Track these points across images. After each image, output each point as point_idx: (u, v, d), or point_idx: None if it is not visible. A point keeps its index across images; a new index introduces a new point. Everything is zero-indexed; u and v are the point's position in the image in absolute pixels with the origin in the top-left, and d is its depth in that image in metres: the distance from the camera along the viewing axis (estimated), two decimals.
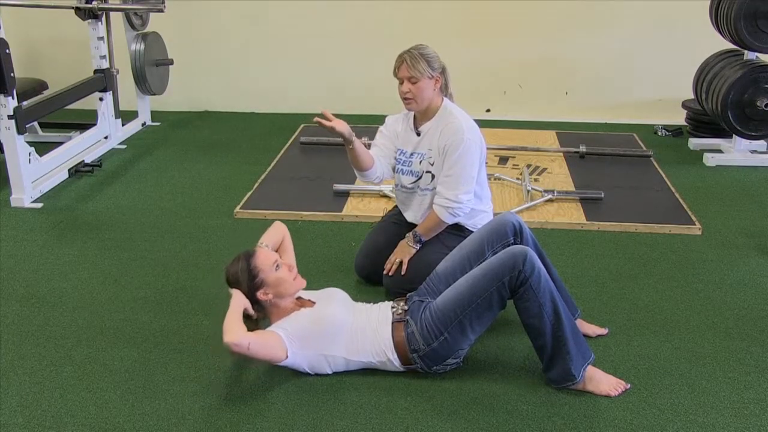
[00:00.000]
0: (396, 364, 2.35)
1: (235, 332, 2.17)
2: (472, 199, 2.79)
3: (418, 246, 2.84)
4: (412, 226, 2.94)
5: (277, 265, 2.35)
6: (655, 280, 3.07)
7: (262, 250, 2.42)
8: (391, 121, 3.00)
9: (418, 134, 2.85)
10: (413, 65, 2.70)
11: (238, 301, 2.30)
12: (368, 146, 4.69)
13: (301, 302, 2.45)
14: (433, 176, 2.83)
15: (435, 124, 2.81)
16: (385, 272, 2.84)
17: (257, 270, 2.33)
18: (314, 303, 2.44)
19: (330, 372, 2.37)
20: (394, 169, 2.96)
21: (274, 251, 2.55)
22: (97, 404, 2.26)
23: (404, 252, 2.84)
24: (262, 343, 2.23)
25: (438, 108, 2.81)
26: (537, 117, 5.63)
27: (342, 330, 2.34)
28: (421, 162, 2.84)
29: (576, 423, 2.16)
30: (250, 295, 2.33)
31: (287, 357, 2.28)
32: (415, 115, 2.89)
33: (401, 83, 2.75)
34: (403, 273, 2.80)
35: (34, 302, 2.89)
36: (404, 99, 2.76)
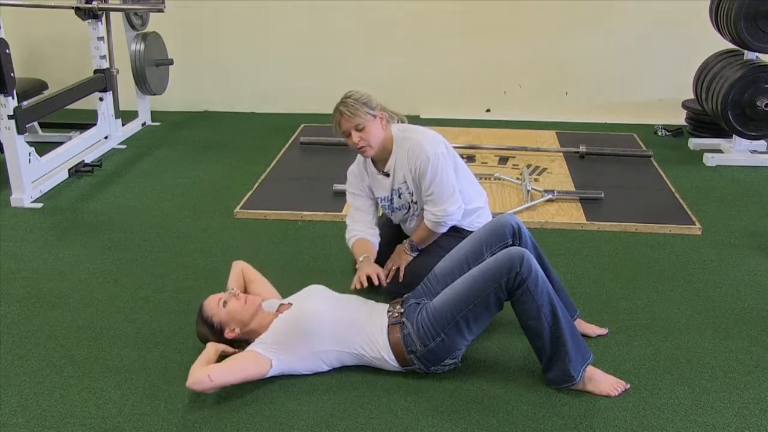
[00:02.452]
0: (393, 364, 2.35)
1: (192, 374, 2.22)
2: (462, 206, 2.73)
3: (415, 254, 2.81)
4: None
5: (224, 302, 2.39)
6: (655, 280, 3.06)
7: (208, 299, 2.44)
8: (354, 178, 2.89)
9: (387, 175, 2.77)
10: (354, 114, 2.57)
11: (207, 351, 2.35)
12: None
13: (280, 309, 2.47)
14: (413, 204, 2.79)
15: (397, 157, 2.71)
16: (381, 280, 2.82)
17: (209, 317, 2.39)
18: (291, 305, 2.47)
19: (327, 368, 2.38)
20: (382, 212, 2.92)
21: (243, 289, 2.64)
22: (97, 404, 2.26)
23: (401, 259, 2.82)
24: (227, 368, 2.27)
25: (391, 142, 2.71)
26: (537, 117, 5.63)
27: (322, 322, 2.34)
28: (401, 196, 2.78)
29: (576, 423, 2.16)
30: (224, 340, 2.39)
31: (272, 366, 2.30)
32: (372, 159, 2.79)
33: (348, 136, 2.63)
34: (400, 280, 2.77)
35: (34, 302, 2.90)
36: (359, 149, 2.66)
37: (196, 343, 2.55)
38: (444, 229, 2.76)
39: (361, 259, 2.73)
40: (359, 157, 2.83)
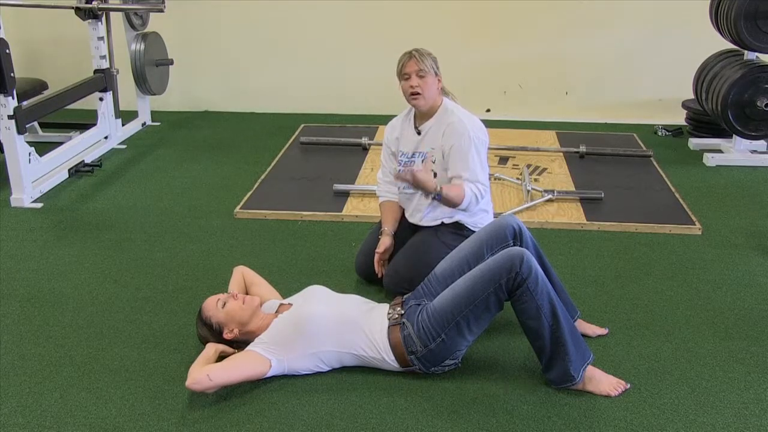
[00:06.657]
0: (393, 365, 2.35)
1: (192, 374, 2.23)
2: (487, 191, 2.81)
3: (434, 196, 2.70)
4: (412, 224, 2.94)
5: (222, 303, 2.40)
6: (655, 280, 3.07)
7: (206, 300, 2.46)
8: (390, 131, 3.00)
9: (419, 133, 2.85)
10: (421, 60, 2.72)
11: (206, 351, 2.36)
12: (368, 146, 4.74)
13: (280, 310, 2.48)
14: (435, 175, 2.81)
15: (436, 123, 2.81)
16: (399, 174, 2.69)
17: (209, 318, 2.40)
18: (291, 305, 2.47)
19: (327, 368, 2.38)
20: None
21: (245, 293, 2.67)
22: (97, 404, 2.26)
23: (426, 178, 2.63)
24: (226, 368, 2.27)
25: (438, 107, 2.82)
26: (537, 117, 5.63)
27: (321, 323, 2.34)
28: (423, 161, 2.83)
29: (576, 423, 2.17)
30: (223, 341, 2.40)
31: (272, 366, 2.30)
32: (415, 114, 2.89)
33: (408, 79, 2.73)
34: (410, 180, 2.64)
35: (34, 302, 2.90)
36: (412, 94, 2.73)
37: (196, 343, 2.55)
38: (470, 199, 2.70)
39: (384, 229, 2.94)
40: (404, 111, 2.94)
